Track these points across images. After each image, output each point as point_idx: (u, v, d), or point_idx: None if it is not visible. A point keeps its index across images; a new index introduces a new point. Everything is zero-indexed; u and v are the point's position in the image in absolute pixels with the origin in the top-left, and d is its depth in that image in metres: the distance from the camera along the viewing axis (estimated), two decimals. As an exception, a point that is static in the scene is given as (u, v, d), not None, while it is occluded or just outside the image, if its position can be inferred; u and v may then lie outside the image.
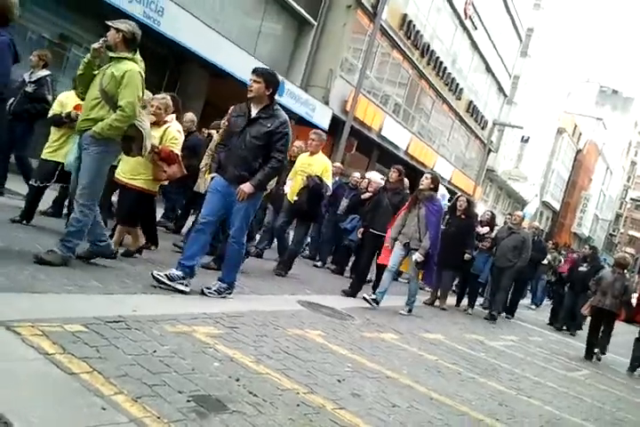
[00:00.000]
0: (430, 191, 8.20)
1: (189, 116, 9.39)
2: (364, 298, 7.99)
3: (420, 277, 8.64)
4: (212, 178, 5.93)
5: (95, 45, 5.32)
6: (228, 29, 16.49)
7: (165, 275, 5.42)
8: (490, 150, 38.27)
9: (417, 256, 8.05)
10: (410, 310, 8.44)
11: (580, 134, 65.65)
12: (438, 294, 10.66)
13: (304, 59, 20.60)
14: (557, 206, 64.01)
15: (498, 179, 44.90)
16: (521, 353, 8.26)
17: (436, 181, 8.32)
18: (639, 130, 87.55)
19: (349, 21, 21.02)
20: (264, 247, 10.08)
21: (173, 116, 6.93)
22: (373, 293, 8.23)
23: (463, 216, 10.51)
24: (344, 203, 11.49)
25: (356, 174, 12.56)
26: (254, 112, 5.64)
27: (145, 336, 3.88)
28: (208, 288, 5.72)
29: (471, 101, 34.95)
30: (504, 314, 12.29)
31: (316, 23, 20.45)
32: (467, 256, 10.42)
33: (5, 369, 2.91)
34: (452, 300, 11.56)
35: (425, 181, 8.19)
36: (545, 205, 60.06)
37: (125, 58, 5.35)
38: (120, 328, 3.88)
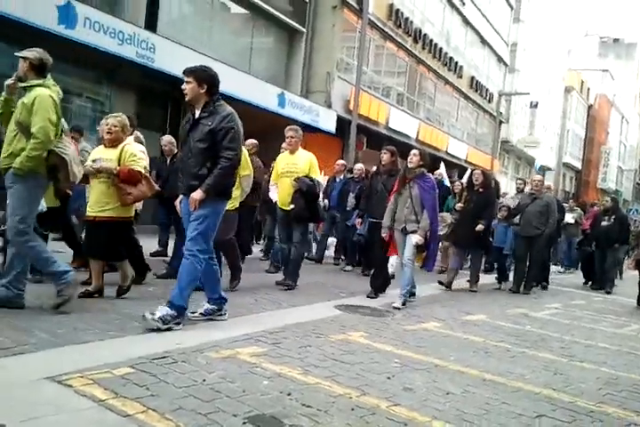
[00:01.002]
0: (420, 168, 7.59)
1: (167, 138, 9.21)
2: (395, 307, 7.30)
3: (420, 263, 8.11)
4: (181, 202, 5.44)
5: (8, 82, 5.19)
6: (221, 52, 16.67)
7: (201, 313, 5.46)
8: (501, 122, 38.02)
9: (416, 239, 7.39)
10: (404, 303, 7.50)
11: (589, 89, 64.81)
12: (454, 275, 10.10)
13: (299, 67, 20.70)
14: (579, 165, 63.25)
15: (514, 149, 44.53)
16: (567, 319, 8.23)
17: (424, 157, 7.69)
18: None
19: (337, 22, 21.08)
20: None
21: (131, 137, 6.80)
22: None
23: (481, 190, 9.90)
24: (351, 199, 10.99)
25: (358, 166, 11.93)
26: (197, 115, 5.23)
27: (192, 367, 3.98)
28: (153, 314, 4.92)
29: (473, 77, 34.73)
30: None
31: (305, 30, 20.56)
32: (479, 227, 9.70)
33: (62, 421, 3.02)
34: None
35: (414, 158, 7.56)
36: (566, 166, 59.45)
37: (36, 85, 5.14)
38: (167, 363, 3.99)
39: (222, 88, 14.72)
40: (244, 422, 3.18)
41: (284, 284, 7.96)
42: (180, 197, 5.42)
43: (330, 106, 20.80)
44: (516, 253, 10.87)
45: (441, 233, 9.66)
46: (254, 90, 16.59)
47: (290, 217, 7.91)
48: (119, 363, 3.86)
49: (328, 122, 20.18)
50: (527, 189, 11.58)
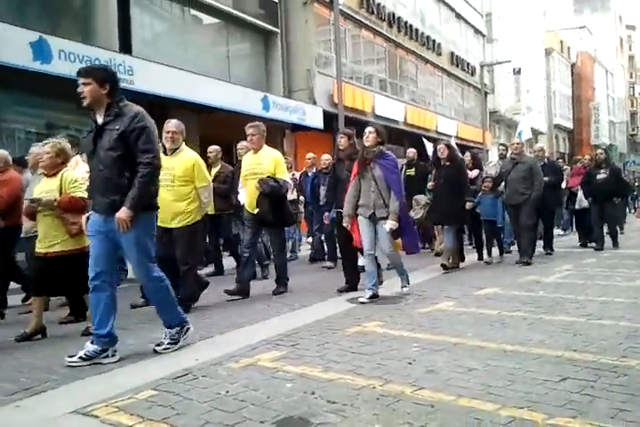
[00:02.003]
0: (379, 146, 6.98)
1: None
2: (361, 302, 6.82)
3: (401, 247, 7.43)
4: (87, 218, 4.86)
5: None
6: (199, 65, 16.73)
7: (80, 357, 4.57)
8: (486, 93, 37.90)
9: (389, 224, 6.81)
10: (406, 285, 7.35)
11: (569, 48, 64.58)
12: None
13: (279, 68, 20.73)
14: (570, 125, 63.08)
15: (504, 118, 44.43)
16: (580, 279, 8.23)
17: (381, 133, 7.04)
18: (625, 23, 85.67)
19: (310, 17, 21.10)
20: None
21: (77, 157, 6.76)
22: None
23: (449, 163, 9.49)
24: (323, 192, 10.32)
25: (325, 156, 11.32)
26: (100, 120, 4.64)
27: (214, 381, 4.02)
28: (159, 345, 4.86)
29: (452, 53, 34.63)
30: (542, 251, 11.45)
31: (279, 30, 20.58)
32: (468, 205, 9.49)
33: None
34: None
35: (370, 136, 6.94)
36: (558, 128, 59.30)
37: None
38: (188, 380, 4.03)
39: (206, 100, 14.79)
40: (272, 428, 3.22)
41: (276, 291, 7.67)
42: (89, 213, 4.82)
43: (314, 102, 20.83)
44: (510, 221, 10.54)
45: (417, 217, 9.62)
46: (236, 97, 16.63)
47: (257, 220, 7.50)
48: (141, 387, 3.90)
49: (315, 119, 20.21)
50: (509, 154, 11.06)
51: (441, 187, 9.46)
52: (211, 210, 7.99)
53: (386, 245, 7.01)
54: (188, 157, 6.69)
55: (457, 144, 20.55)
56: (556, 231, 15.28)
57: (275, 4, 20.46)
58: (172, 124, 6.75)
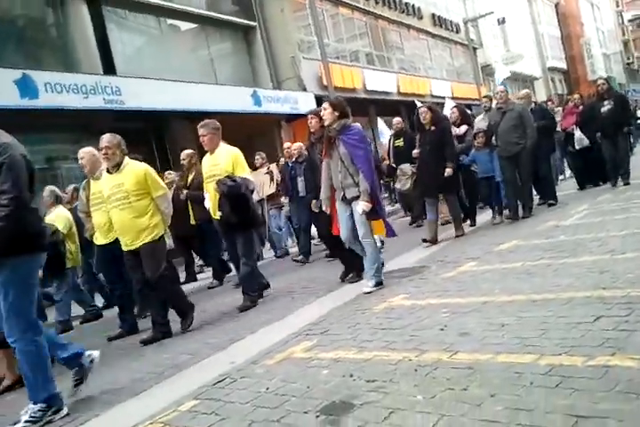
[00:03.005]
0: (339, 121, 6.27)
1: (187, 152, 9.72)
2: (365, 292, 6.26)
3: (380, 231, 6.69)
4: None
5: None
6: (184, 72, 16.83)
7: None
8: (475, 48, 37.55)
9: (361, 205, 6.18)
10: (378, 283, 6.36)
11: (550, -12, 63.72)
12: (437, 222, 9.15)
13: (263, 61, 20.71)
14: (564, 65, 62.29)
15: (496, 71, 43.97)
16: (598, 217, 8.13)
17: (339, 106, 6.33)
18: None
19: (285, 5, 21.04)
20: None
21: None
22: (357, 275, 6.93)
23: (433, 128, 8.82)
24: (300, 183, 9.92)
25: (295, 145, 10.64)
26: None
27: (252, 380, 4.04)
28: (15, 424, 4.01)
29: (433, 14, 34.21)
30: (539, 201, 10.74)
31: (256, 23, 20.54)
32: (448, 171, 8.69)
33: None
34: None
35: (326, 113, 6.31)
36: (552, 70, 58.52)
37: None
38: (227, 384, 4.05)
39: (194, 105, 14.79)
40: (317, 416, 3.22)
41: (242, 307, 6.89)
42: None
43: (304, 89, 20.79)
44: (505, 176, 9.68)
45: (404, 188, 9.30)
46: (226, 97, 16.67)
47: (222, 224, 7.06)
48: (182, 399, 3.93)
49: (307, 105, 20.06)
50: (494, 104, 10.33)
51: (427, 154, 8.85)
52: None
53: (362, 229, 6.29)
54: (136, 168, 6.21)
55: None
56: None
57: (248, -2, 20.39)
58: (104, 140, 6.16)
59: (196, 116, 15.75)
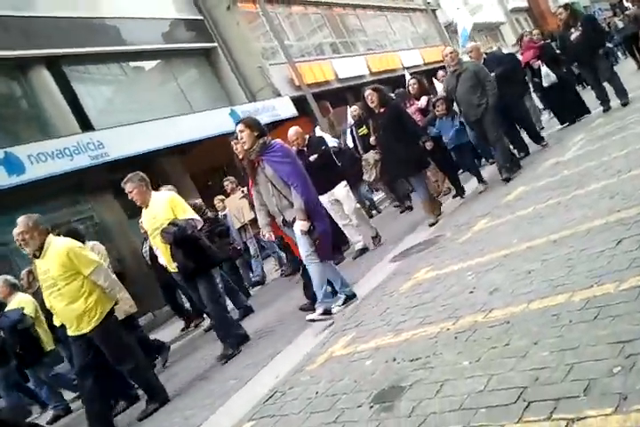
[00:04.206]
0: (257, 140, 5.70)
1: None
2: (311, 320, 5.65)
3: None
4: None
5: None
6: (159, 109, 16.82)
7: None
8: (434, 10, 37.40)
9: (297, 226, 5.61)
10: (326, 311, 5.63)
11: None
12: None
13: (232, 78, 20.69)
14: (525, 3, 61.70)
15: (458, 23, 43.64)
16: (596, 143, 7.92)
17: (255, 125, 5.79)
18: None
19: (239, 18, 20.95)
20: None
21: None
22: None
23: (382, 109, 8.14)
24: None
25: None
26: None
27: (300, 389, 4.02)
28: None
29: (384, -12, 34.05)
30: (532, 148, 10.15)
31: (216, 43, 20.52)
32: (428, 145, 8.22)
33: None
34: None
35: (243, 135, 5.73)
36: (514, 11, 57.95)
37: None
38: (277, 399, 4.03)
39: (177, 139, 14.74)
40: (371, 406, 3.20)
41: (221, 357, 6.38)
42: None
43: (279, 94, 20.76)
44: (480, 142, 9.26)
45: (371, 178, 8.80)
46: (205, 123, 16.65)
47: (182, 275, 6.59)
48: (239, 423, 3.94)
49: (287, 109, 20.11)
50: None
51: (384, 138, 8.22)
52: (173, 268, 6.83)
53: (304, 249, 5.69)
54: (58, 249, 5.55)
55: (425, 71, 20.38)
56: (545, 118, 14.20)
57: (201, 20, 20.37)
58: (18, 226, 5.65)
59: (182, 148, 15.91)
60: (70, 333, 5.54)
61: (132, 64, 18.37)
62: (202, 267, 6.38)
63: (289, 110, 20.05)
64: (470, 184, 9.64)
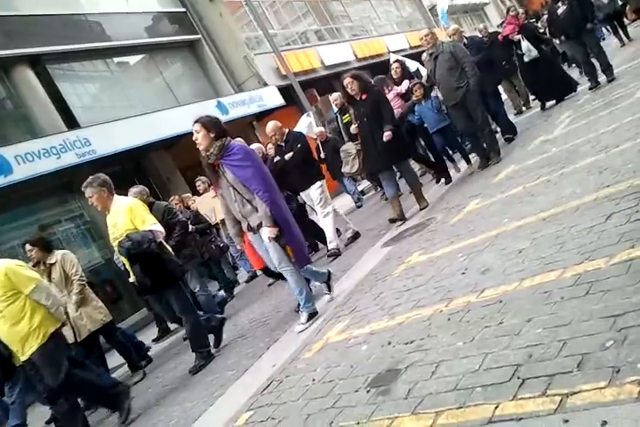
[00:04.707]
0: (214, 143, 5.27)
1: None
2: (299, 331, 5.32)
3: (292, 255, 5.52)
4: None
5: None
6: (145, 104, 16.81)
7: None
8: (416, -6, 37.24)
9: (264, 232, 5.26)
10: (311, 315, 5.44)
11: None
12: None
13: (217, 69, 20.58)
14: (509, -17, 61.53)
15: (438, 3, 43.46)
16: (583, 120, 7.89)
17: (212, 125, 5.32)
18: None
19: (222, 9, 20.78)
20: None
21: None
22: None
23: (364, 97, 7.75)
24: None
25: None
26: None
27: (297, 376, 4.03)
28: None
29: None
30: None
31: (199, 35, 20.39)
32: (386, 135, 7.53)
33: None
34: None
35: (199, 135, 5.30)
36: (502, -9, 57.86)
37: None
38: (274, 388, 4.04)
39: (164, 133, 14.62)
40: (368, 391, 3.21)
41: (193, 369, 6.05)
42: None
43: (265, 84, 20.67)
44: (460, 127, 8.95)
45: (353, 170, 8.39)
46: (192, 116, 16.37)
47: (141, 290, 6.24)
48: (237, 413, 3.94)
49: (273, 98, 20.03)
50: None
51: (366, 126, 7.77)
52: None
53: (277, 259, 5.38)
54: None
55: (411, 55, 20.28)
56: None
57: (184, 13, 20.24)
58: None
59: (170, 143, 15.84)
60: (21, 357, 5.19)
61: (117, 60, 18.24)
62: (160, 283, 5.93)
63: (276, 100, 19.97)
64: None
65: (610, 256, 3.20)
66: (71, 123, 14.59)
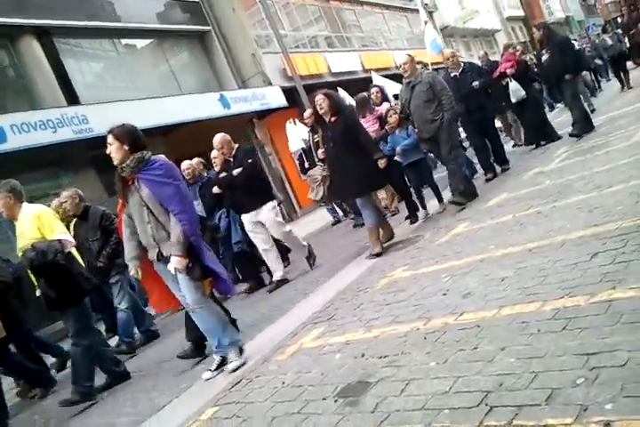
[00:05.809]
0: (133, 156, 4.61)
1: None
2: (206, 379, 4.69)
3: (209, 287, 4.90)
4: None
5: None
6: (148, 89, 16.69)
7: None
8: (431, 12, 37.39)
9: (172, 263, 4.51)
10: (223, 362, 4.78)
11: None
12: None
13: (224, 63, 20.54)
14: (521, 12, 61.97)
15: (456, 30, 43.75)
16: (579, 156, 8.01)
17: (126, 137, 4.66)
18: None
19: (235, 4, 20.78)
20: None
21: None
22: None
23: (334, 118, 7.04)
24: (198, 207, 7.63)
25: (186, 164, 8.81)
26: None
27: (267, 377, 4.04)
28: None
29: (383, -14, 34.01)
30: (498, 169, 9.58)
31: (210, 27, 20.35)
32: (381, 163, 6.99)
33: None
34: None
35: (112, 148, 4.65)
36: (510, 19, 58.15)
37: None
38: (243, 386, 4.06)
39: (163, 120, 14.55)
40: (336, 400, 3.23)
41: (64, 402, 5.42)
42: None
43: (270, 83, 20.68)
44: (440, 160, 8.54)
45: (317, 198, 8.01)
46: (194, 106, 16.54)
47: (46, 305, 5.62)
48: (202, 408, 3.95)
49: (276, 98, 20.06)
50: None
51: (333, 152, 7.12)
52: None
53: (189, 294, 4.63)
54: None
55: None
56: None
57: (197, 3, 20.14)
58: None
59: (168, 130, 15.81)
60: None
61: (124, 41, 18.14)
62: (65, 298, 5.46)
63: (279, 100, 19.99)
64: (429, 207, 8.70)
65: (591, 295, 3.24)
66: (72, 99, 14.50)
